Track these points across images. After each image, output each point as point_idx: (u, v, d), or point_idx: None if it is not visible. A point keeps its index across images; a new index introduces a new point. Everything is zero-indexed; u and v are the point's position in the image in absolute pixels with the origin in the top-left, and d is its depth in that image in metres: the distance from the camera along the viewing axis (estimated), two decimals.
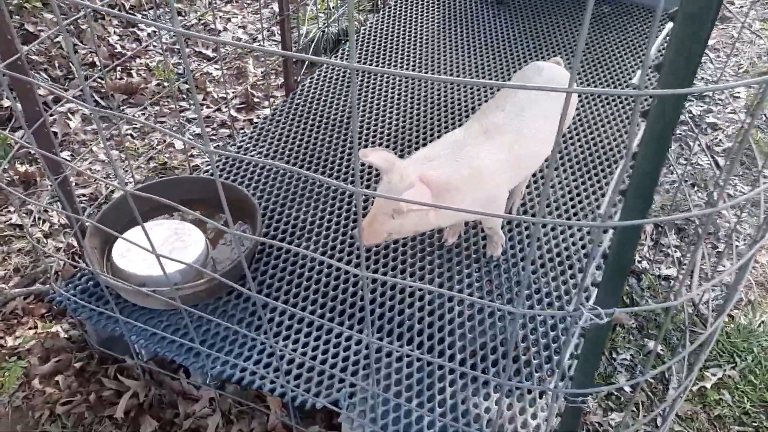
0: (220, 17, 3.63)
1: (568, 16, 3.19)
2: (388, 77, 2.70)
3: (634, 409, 1.76)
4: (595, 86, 2.66)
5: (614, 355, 1.87)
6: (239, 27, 3.56)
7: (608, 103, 2.57)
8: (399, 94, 2.61)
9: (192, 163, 2.58)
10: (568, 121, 1.86)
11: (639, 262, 2.16)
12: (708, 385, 1.79)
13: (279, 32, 3.15)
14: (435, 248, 1.90)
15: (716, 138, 2.87)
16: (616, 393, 1.78)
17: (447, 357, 1.60)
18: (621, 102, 2.57)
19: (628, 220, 0.87)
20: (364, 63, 2.80)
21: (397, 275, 1.81)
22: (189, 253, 1.75)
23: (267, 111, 2.90)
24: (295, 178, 2.17)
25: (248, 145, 2.34)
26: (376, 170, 2.19)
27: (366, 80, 2.70)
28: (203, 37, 0.70)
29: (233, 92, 3.06)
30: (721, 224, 2.40)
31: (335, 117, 2.48)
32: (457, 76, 2.72)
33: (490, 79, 2.70)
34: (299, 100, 2.59)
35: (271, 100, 2.94)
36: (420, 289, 1.77)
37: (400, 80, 2.69)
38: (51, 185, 2.36)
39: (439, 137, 1.76)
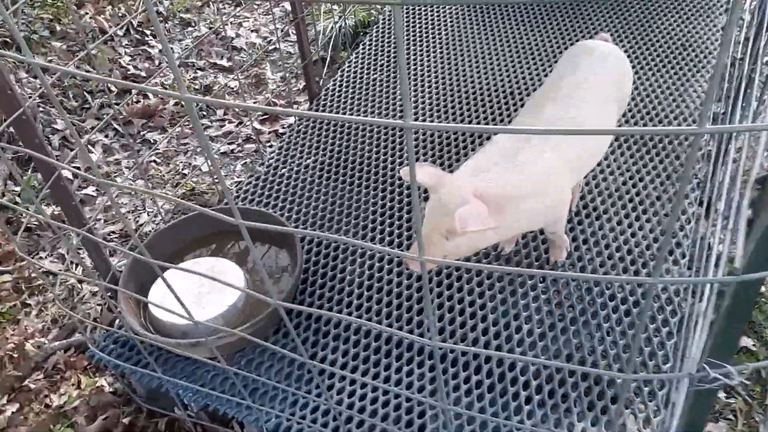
0: (231, 23, 3.48)
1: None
2: (421, 70, 2.52)
3: (732, 417, 1.58)
4: (653, 62, 2.44)
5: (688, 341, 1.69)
6: (252, 31, 3.41)
7: (674, 72, 2.34)
8: (437, 93, 2.43)
9: (221, 186, 2.46)
10: (627, 99, 1.66)
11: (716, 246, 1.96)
12: None
13: (294, 33, 3.01)
14: (491, 258, 1.73)
15: None
16: None
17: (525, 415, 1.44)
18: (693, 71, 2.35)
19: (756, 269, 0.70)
20: (387, 55, 2.63)
21: (453, 294, 1.65)
22: (228, 294, 1.62)
23: (291, 119, 2.76)
24: (332, 196, 2.03)
25: (277, 162, 2.20)
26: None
27: (395, 75, 2.52)
28: (223, 104, 0.55)
29: (254, 102, 2.92)
30: None
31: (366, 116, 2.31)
32: (486, 65, 2.53)
33: (526, 66, 2.50)
34: (324, 106, 2.43)
35: (294, 107, 2.80)
36: (493, 349, 1.62)
37: (433, 76, 2.51)
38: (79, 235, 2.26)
39: (488, 139, 1.58)
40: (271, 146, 2.67)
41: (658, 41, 2.49)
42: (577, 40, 2.54)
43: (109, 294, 1.94)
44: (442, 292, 1.67)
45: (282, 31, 3.40)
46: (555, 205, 1.44)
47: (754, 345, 1.71)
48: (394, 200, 1.96)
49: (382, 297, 1.68)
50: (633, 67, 2.29)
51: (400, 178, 2.03)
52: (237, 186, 2.48)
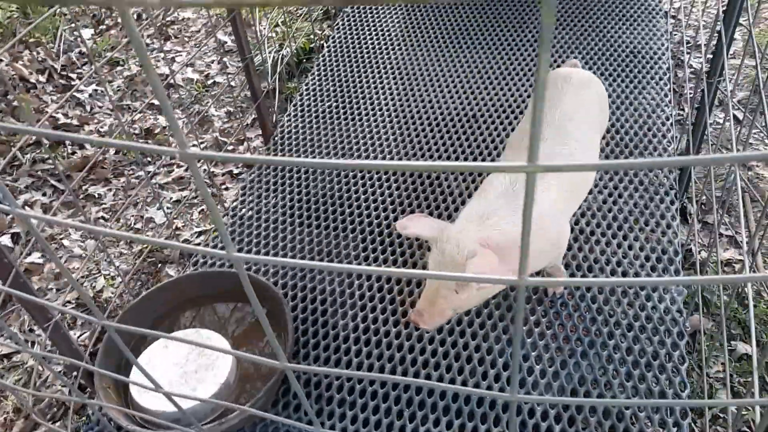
0: (163, 58, 3.30)
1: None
2: (376, 96, 2.44)
3: (747, 429, 1.58)
4: (620, 78, 2.46)
5: (706, 369, 1.69)
6: (187, 66, 3.24)
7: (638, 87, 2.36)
8: (396, 121, 2.36)
9: (181, 237, 2.30)
10: (606, 122, 1.65)
11: (698, 252, 1.98)
12: None
13: (232, 65, 2.87)
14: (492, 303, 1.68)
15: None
16: (722, 415, 1.60)
17: None
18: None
19: None
20: (337, 82, 2.54)
21: (457, 339, 1.59)
22: (217, 371, 1.49)
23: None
24: (307, 242, 1.92)
25: (242, 208, 2.07)
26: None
27: (349, 102, 2.43)
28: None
29: (202, 143, 2.76)
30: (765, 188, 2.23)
31: (330, 155, 2.21)
32: (439, 79, 2.48)
33: (483, 87, 2.46)
34: (282, 144, 2.32)
35: (246, 144, 2.66)
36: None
37: (394, 111, 2.43)
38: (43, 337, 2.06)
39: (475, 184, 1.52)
40: (227, 189, 2.53)
41: (608, 50, 2.51)
42: (529, 56, 2.53)
43: (75, 373, 1.77)
44: (444, 339, 1.60)
45: (219, 62, 3.25)
46: (558, 240, 1.40)
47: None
48: (376, 241, 1.88)
49: (382, 352, 1.59)
50: None
51: (386, 226, 1.95)
52: (197, 235, 2.33)
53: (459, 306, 1.30)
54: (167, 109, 0.41)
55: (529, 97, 2.33)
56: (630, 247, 1.76)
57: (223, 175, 2.59)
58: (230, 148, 2.71)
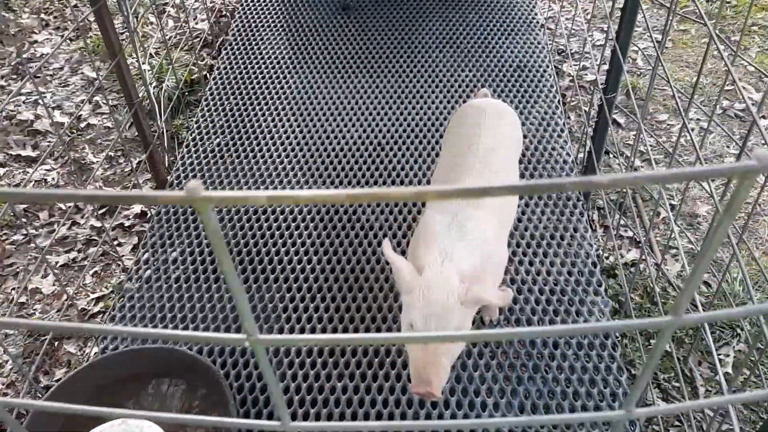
0: (24, 102, 2.98)
1: (418, 11, 2.99)
2: (272, 129, 2.34)
3: (678, 422, 1.69)
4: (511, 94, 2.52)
5: (633, 371, 1.78)
6: (54, 108, 2.95)
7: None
8: (299, 152, 2.27)
9: (78, 308, 2.07)
10: (521, 145, 1.69)
11: (606, 257, 2.09)
12: (729, 370, 1.76)
13: (105, 103, 2.64)
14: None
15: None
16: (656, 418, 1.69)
17: None
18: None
19: None
20: (227, 115, 2.41)
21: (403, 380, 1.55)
22: None
23: (137, 208, 2.42)
24: (221, 299, 1.80)
25: (152, 274, 1.90)
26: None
27: (239, 137, 2.31)
28: None
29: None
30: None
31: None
32: (336, 105, 2.43)
33: (381, 111, 2.44)
34: (181, 188, 2.15)
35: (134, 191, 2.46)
36: None
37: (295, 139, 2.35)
38: None
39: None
40: (119, 245, 2.32)
41: (495, 65, 2.58)
42: (423, 78, 2.55)
43: None
44: (393, 387, 1.55)
45: (90, 102, 2.98)
46: (503, 262, 1.42)
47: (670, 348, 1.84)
48: (303, 290, 1.80)
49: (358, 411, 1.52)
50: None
51: (311, 270, 1.86)
52: (94, 302, 2.11)
53: (456, 354, 1.25)
54: (237, 294, 0.34)
55: (429, 120, 2.35)
56: (552, 264, 1.82)
57: (114, 229, 2.37)
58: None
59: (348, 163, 2.20)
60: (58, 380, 1.90)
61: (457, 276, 1.20)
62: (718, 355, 1.80)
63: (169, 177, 2.23)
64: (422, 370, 1.15)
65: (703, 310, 1.91)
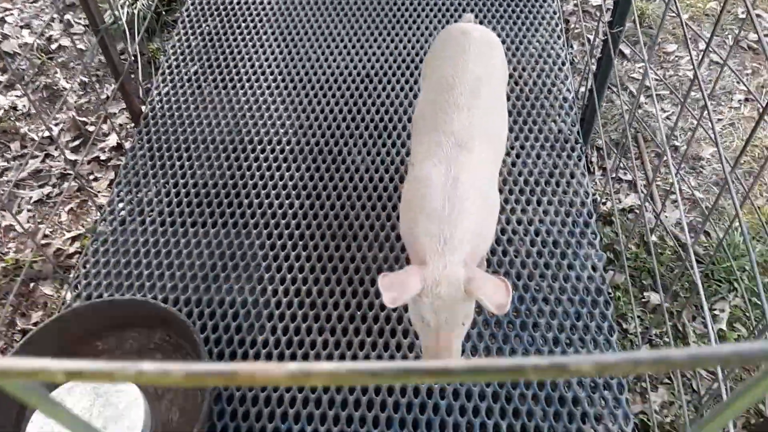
0: None
1: None
2: (252, 64, 2.18)
3: (668, 380, 1.65)
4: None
5: (624, 326, 1.74)
6: (21, 27, 2.75)
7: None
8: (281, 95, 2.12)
9: (54, 248, 2.00)
10: (507, 76, 1.54)
11: (603, 203, 2.00)
12: (723, 326, 1.72)
13: (78, 22, 2.45)
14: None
15: None
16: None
17: None
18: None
19: None
20: (208, 34, 2.24)
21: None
22: (130, 423, 1.31)
23: (113, 140, 2.29)
24: (206, 245, 1.71)
25: (127, 215, 1.81)
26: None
27: (218, 63, 2.16)
28: None
29: (57, 125, 2.38)
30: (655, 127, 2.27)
31: (213, 132, 1.97)
32: (324, 33, 2.26)
33: (373, 43, 2.27)
34: (156, 123, 2.03)
35: (110, 123, 2.32)
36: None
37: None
38: None
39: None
40: (96, 179, 2.22)
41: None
42: (411, 3, 2.35)
43: None
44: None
45: (60, 20, 2.78)
46: (495, 212, 1.30)
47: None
48: (284, 236, 1.71)
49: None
50: None
51: (292, 216, 1.77)
52: (70, 242, 2.03)
53: (465, 332, 1.20)
54: None
55: (421, 49, 2.19)
56: (545, 212, 1.73)
57: (89, 162, 2.26)
58: (91, 128, 2.36)
59: (333, 96, 2.06)
60: (35, 324, 1.85)
61: (461, 266, 1.11)
62: (713, 310, 1.75)
63: (143, 107, 2.09)
64: (435, 356, 1.15)
65: (702, 263, 1.85)
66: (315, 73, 2.13)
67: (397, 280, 1.08)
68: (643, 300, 1.79)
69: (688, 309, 1.75)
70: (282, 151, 1.91)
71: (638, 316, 1.74)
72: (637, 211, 2.01)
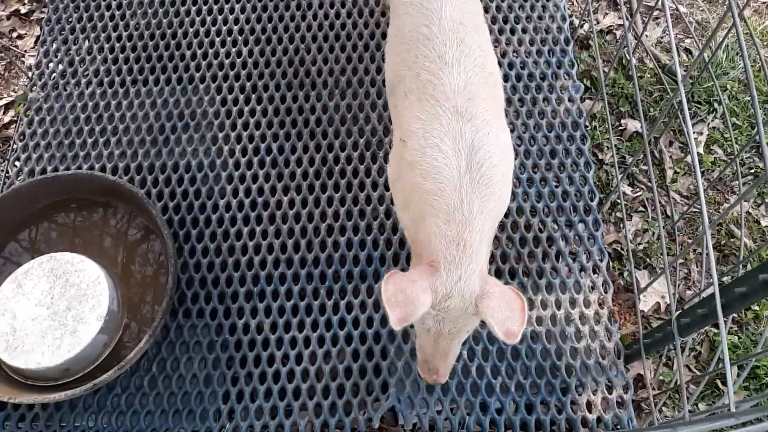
0: None
1: None
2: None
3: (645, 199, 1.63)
4: None
5: (600, 156, 1.67)
6: None
7: None
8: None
9: None
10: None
11: (580, 26, 1.84)
12: (701, 150, 1.67)
13: None
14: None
15: None
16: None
17: None
18: None
19: None
20: None
21: None
22: (95, 302, 1.26)
23: None
24: (152, 105, 1.56)
25: (59, 77, 1.62)
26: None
27: None
28: None
29: None
30: None
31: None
32: None
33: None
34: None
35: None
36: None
37: None
38: None
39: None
40: (20, 38, 1.98)
41: None
42: None
43: None
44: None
45: None
46: (512, 162, 1.11)
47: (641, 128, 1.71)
48: (234, 90, 1.57)
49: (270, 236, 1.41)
50: None
51: (248, 70, 1.59)
52: (3, 111, 1.86)
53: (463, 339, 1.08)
54: None
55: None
56: (520, 42, 1.59)
57: (9, 18, 2.00)
58: None
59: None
60: None
61: (477, 277, 0.96)
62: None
63: None
64: (431, 362, 1.06)
65: (683, 82, 1.74)
66: None
67: (404, 295, 0.91)
68: (620, 128, 1.71)
69: (666, 134, 1.69)
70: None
71: (615, 146, 1.68)
72: (616, 32, 1.86)
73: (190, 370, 1.28)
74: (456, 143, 0.99)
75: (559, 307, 1.33)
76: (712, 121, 1.71)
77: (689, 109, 1.71)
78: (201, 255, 1.39)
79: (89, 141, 1.53)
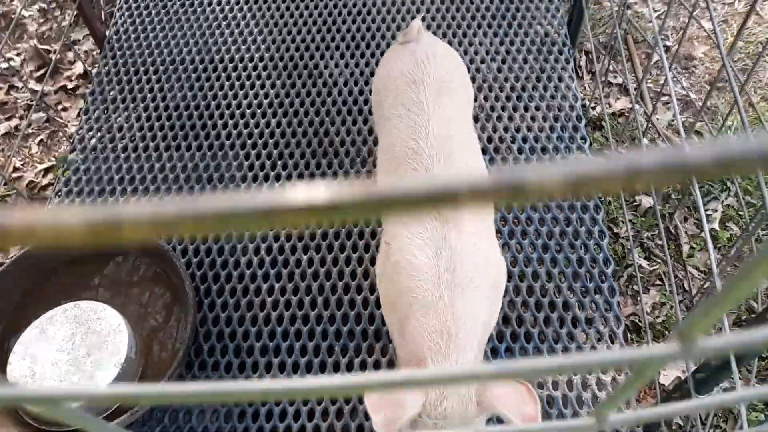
0: None
1: None
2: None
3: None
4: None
5: (615, 230, 1.70)
6: None
7: None
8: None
9: (26, 181, 1.93)
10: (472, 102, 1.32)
11: (593, 107, 1.93)
12: (716, 225, 1.69)
13: None
14: None
15: None
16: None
17: None
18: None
19: None
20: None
21: None
22: (113, 349, 1.28)
23: (79, 68, 2.18)
24: (183, 168, 1.65)
25: (98, 143, 1.73)
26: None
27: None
28: None
29: (19, 55, 2.26)
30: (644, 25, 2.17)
31: (182, 52, 1.86)
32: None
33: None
34: (122, 46, 1.92)
35: (75, 50, 2.20)
36: None
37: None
38: None
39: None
40: (65, 110, 2.12)
41: None
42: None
43: None
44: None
45: None
46: (503, 281, 1.12)
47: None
48: (261, 156, 1.65)
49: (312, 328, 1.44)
50: None
51: (269, 135, 1.69)
52: (42, 174, 1.96)
53: None
54: None
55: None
56: (533, 119, 1.66)
57: (56, 92, 2.16)
58: (56, 57, 2.23)
59: (307, 7, 1.94)
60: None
61: (481, 396, 0.87)
62: (705, 211, 1.71)
63: (107, 32, 1.97)
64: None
65: None
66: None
67: (390, 396, 0.82)
68: (635, 204, 1.75)
69: (680, 210, 1.72)
70: (255, 68, 1.82)
71: (630, 220, 1.71)
72: (628, 114, 1.94)
73: (202, 422, 1.27)
74: (437, 247, 0.97)
75: (575, 374, 1.31)
76: (726, 198, 1.74)
77: (702, 187, 1.75)
78: (220, 309, 1.41)
79: (121, 200, 1.60)
